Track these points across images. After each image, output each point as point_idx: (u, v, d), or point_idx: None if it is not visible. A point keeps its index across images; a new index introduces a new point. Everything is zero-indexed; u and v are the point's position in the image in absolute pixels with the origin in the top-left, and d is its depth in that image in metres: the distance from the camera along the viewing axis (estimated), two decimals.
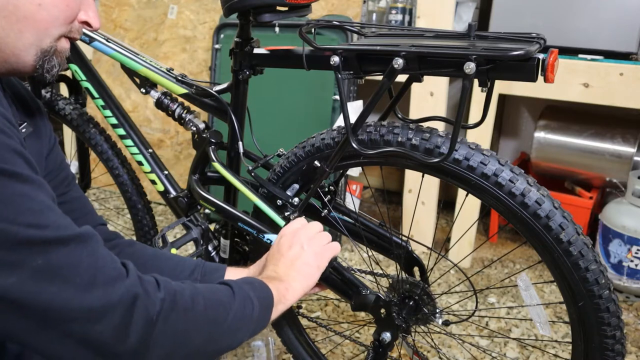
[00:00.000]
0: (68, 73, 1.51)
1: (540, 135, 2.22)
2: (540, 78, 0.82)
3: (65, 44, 0.80)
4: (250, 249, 1.30)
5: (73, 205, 1.00)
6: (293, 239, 0.98)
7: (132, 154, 1.42)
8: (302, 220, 1.03)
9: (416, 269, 1.15)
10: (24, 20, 0.73)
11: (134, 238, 1.73)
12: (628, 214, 1.96)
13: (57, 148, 0.98)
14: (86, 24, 0.81)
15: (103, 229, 1.04)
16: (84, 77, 1.43)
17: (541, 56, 0.81)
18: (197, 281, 1.00)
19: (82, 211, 1.02)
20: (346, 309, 1.86)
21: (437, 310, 1.07)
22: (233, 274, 1.04)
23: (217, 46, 2.33)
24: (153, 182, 1.39)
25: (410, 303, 1.08)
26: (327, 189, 1.17)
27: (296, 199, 1.11)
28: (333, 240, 1.01)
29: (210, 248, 1.34)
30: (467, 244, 2.13)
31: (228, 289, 0.82)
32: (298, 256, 0.95)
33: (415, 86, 2.02)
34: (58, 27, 0.77)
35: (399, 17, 2.19)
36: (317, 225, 1.01)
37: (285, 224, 1.09)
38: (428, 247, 1.17)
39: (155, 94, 1.30)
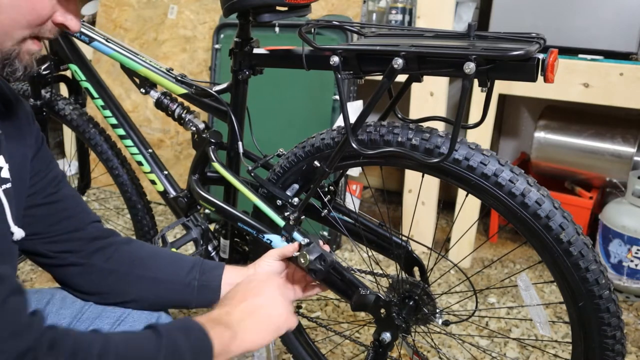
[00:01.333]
0: (68, 73, 1.51)
1: (540, 135, 2.22)
2: (540, 78, 0.82)
3: (32, 46, 0.75)
4: (250, 249, 1.30)
5: (65, 203, 0.95)
6: (265, 288, 0.87)
7: (131, 154, 1.42)
8: (281, 280, 0.96)
9: (416, 269, 1.15)
10: None
11: (134, 238, 1.73)
12: (628, 214, 1.96)
13: (44, 148, 0.94)
14: (62, 26, 0.76)
15: (97, 226, 1.01)
16: (83, 77, 1.43)
17: (541, 56, 0.81)
18: (196, 280, 0.97)
19: (75, 209, 0.97)
20: (346, 309, 1.86)
21: (437, 310, 1.07)
22: (232, 272, 1.00)
23: (217, 46, 2.33)
24: (153, 182, 1.39)
25: (410, 303, 1.08)
26: (327, 189, 1.17)
27: (296, 199, 1.11)
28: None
29: (210, 248, 1.34)
30: (467, 244, 2.13)
31: (153, 339, 0.70)
32: (263, 308, 0.84)
33: (415, 86, 2.02)
34: (21, 30, 0.72)
35: (399, 17, 2.19)
36: (292, 294, 0.96)
37: (285, 224, 1.09)
38: (428, 247, 1.17)
39: (155, 94, 1.30)
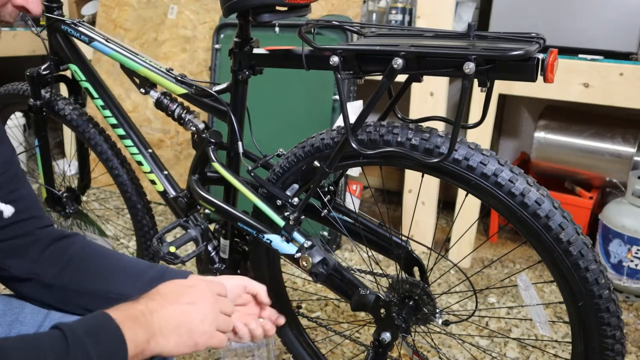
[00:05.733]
0: (68, 73, 1.51)
1: (540, 135, 2.22)
2: (540, 78, 0.82)
3: None
4: (250, 249, 1.30)
5: (21, 204, 0.89)
6: (201, 299, 0.78)
7: (131, 154, 1.42)
8: (225, 301, 0.84)
9: (416, 269, 1.15)
10: None
11: (134, 238, 1.73)
12: (628, 214, 1.96)
13: (5, 141, 0.89)
14: (23, 9, 0.72)
15: (49, 230, 0.94)
16: (83, 77, 1.43)
17: (541, 56, 0.81)
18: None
19: (29, 212, 0.91)
20: (346, 309, 1.86)
21: (437, 310, 1.07)
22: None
23: (217, 46, 2.33)
24: (153, 182, 1.39)
25: (410, 303, 1.08)
26: (326, 189, 1.17)
27: (296, 199, 1.11)
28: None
29: (210, 248, 1.34)
30: (467, 244, 2.13)
31: (58, 345, 0.62)
32: (190, 320, 0.75)
33: (415, 86, 2.02)
34: None
35: (399, 17, 2.19)
36: (232, 309, 0.85)
37: (285, 224, 1.09)
38: (428, 247, 1.17)
39: (154, 94, 1.30)
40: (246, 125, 1.21)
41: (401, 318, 1.08)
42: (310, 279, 1.11)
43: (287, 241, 1.10)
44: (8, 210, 0.76)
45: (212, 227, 1.36)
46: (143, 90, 1.32)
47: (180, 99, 1.29)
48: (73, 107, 1.51)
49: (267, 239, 1.12)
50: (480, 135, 1.95)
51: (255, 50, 1.12)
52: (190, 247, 1.29)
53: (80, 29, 1.37)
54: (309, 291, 1.93)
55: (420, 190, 2.10)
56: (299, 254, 1.08)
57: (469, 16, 2.18)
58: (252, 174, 1.16)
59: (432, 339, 1.49)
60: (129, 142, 1.41)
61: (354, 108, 1.97)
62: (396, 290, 1.10)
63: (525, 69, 0.81)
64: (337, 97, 2.09)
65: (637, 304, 1.96)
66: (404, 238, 1.15)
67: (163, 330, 0.72)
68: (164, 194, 1.38)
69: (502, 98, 2.48)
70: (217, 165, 1.19)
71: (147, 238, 1.56)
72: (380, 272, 1.22)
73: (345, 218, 1.19)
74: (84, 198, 1.76)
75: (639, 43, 1.81)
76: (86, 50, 1.44)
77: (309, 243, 1.08)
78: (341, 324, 1.77)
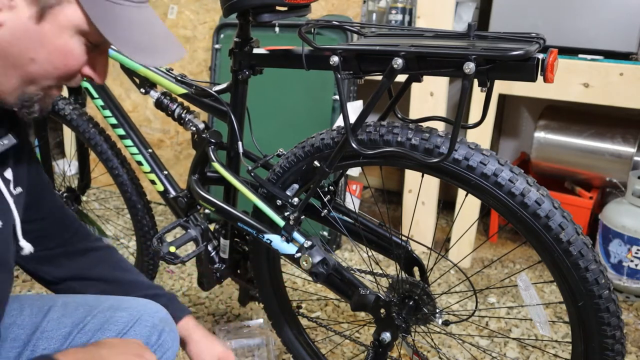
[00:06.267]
0: None
1: (540, 135, 2.22)
2: (540, 78, 0.82)
3: (55, 92, 0.77)
4: (250, 249, 1.30)
5: (47, 222, 1.00)
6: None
7: (131, 154, 1.42)
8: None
9: (416, 269, 1.15)
10: (12, 68, 0.71)
11: (134, 238, 1.74)
12: (628, 214, 1.96)
13: (34, 160, 0.96)
14: (90, 77, 0.78)
15: (80, 243, 1.05)
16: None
17: (541, 56, 0.81)
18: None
19: (57, 227, 1.02)
20: (346, 309, 1.86)
21: (437, 310, 1.07)
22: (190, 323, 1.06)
23: (217, 46, 2.33)
24: (153, 182, 1.39)
25: (410, 303, 1.08)
26: (326, 189, 1.17)
27: (296, 199, 1.11)
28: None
29: (210, 248, 1.34)
30: (467, 244, 2.13)
31: None
32: None
33: (415, 86, 2.02)
34: (49, 80, 0.74)
35: (399, 17, 2.19)
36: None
37: (285, 224, 1.09)
38: (428, 247, 1.17)
39: (154, 94, 1.30)
40: (246, 125, 1.21)
41: (401, 318, 1.08)
42: (310, 279, 1.11)
43: (287, 241, 1.10)
44: (28, 248, 0.81)
45: (212, 227, 1.36)
46: (143, 90, 1.32)
47: (180, 99, 1.29)
48: (73, 107, 1.51)
49: (267, 239, 1.12)
50: (480, 135, 1.95)
51: (255, 50, 1.12)
52: (190, 247, 1.29)
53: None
54: (309, 291, 1.93)
55: (420, 190, 2.10)
56: (299, 254, 1.08)
57: (469, 16, 2.18)
58: (252, 174, 1.16)
59: (432, 339, 1.49)
60: (129, 142, 1.41)
61: (354, 108, 1.97)
62: (396, 290, 1.10)
63: (525, 69, 0.81)
64: (337, 97, 2.09)
65: (637, 304, 1.96)
66: (404, 238, 1.15)
67: None
68: (164, 194, 1.38)
69: (502, 98, 2.48)
70: (217, 165, 1.19)
71: (147, 238, 1.56)
72: (380, 272, 1.22)
73: (345, 218, 1.19)
74: (84, 198, 1.76)
75: (639, 43, 1.81)
76: None
77: (309, 243, 1.08)
78: (341, 324, 1.77)
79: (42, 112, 0.77)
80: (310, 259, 1.07)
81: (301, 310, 1.83)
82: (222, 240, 1.33)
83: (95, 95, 1.43)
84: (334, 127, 1.05)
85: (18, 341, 0.89)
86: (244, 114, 1.21)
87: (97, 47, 0.76)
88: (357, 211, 1.18)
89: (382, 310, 1.09)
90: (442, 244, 2.35)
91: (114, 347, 0.82)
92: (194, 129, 1.25)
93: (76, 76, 0.77)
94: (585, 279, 0.87)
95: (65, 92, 1.57)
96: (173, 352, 0.97)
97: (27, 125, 0.91)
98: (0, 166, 0.81)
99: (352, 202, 2.36)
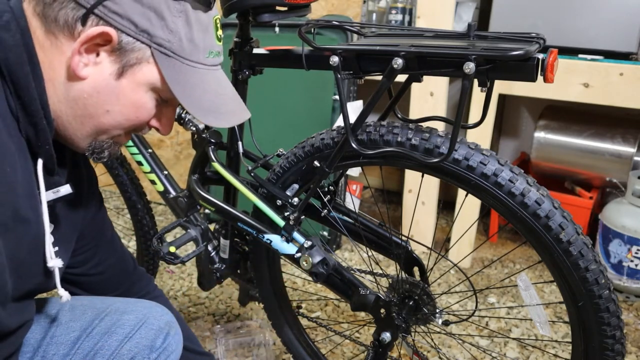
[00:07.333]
0: None
1: (540, 135, 2.22)
2: (540, 78, 0.82)
3: (124, 140, 0.82)
4: (250, 249, 1.30)
5: (104, 252, 1.05)
6: None
7: (131, 154, 1.42)
8: None
9: (416, 269, 1.15)
10: (88, 117, 0.76)
11: (134, 238, 1.73)
12: (628, 214, 1.96)
13: (95, 188, 1.00)
14: (156, 129, 0.84)
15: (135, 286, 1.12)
16: None
17: (541, 56, 0.81)
18: None
19: (113, 259, 1.07)
20: (346, 309, 1.86)
21: (437, 310, 1.07)
22: None
23: None
24: (153, 182, 1.39)
25: (410, 303, 1.08)
26: (326, 189, 1.17)
27: (296, 199, 1.11)
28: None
29: (210, 248, 1.34)
30: (467, 244, 2.13)
31: None
32: None
33: (415, 86, 2.02)
34: (120, 130, 0.79)
35: (399, 17, 2.19)
36: None
37: (285, 224, 1.09)
38: (428, 247, 1.17)
39: None
40: (246, 125, 1.21)
41: (401, 318, 1.08)
42: (310, 279, 1.11)
43: (287, 241, 1.10)
44: (66, 296, 0.83)
45: (212, 227, 1.36)
46: None
47: None
48: None
49: (267, 239, 1.12)
50: (480, 135, 1.95)
51: (255, 50, 1.12)
52: (190, 247, 1.29)
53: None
54: (309, 291, 1.93)
55: (420, 190, 2.10)
56: (299, 254, 1.08)
57: (469, 16, 2.18)
58: (252, 174, 1.16)
59: (432, 339, 1.49)
60: (128, 142, 1.41)
61: (354, 108, 1.97)
62: (396, 290, 1.10)
63: (525, 69, 0.81)
64: (337, 97, 2.09)
65: (637, 304, 1.96)
66: (404, 238, 1.15)
67: None
68: (163, 193, 1.38)
69: (502, 98, 2.48)
70: (217, 165, 1.19)
71: (147, 238, 1.56)
72: (380, 272, 1.22)
73: (345, 218, 1.19)
74: None
75: (639, 43, 1.81)
76: None
77: (309, 243, 1.08)
78: (341, 324, 1.77)
79: (111, 157, 0.82)
80: (310, 259, 1.07)
81: (301, 310, 1.83)
82: (222, 240, 1.33)
83: None
84: (334, 127, 1.05)
85: (28, 346, 0.90)
86: None
87: (166, 101, 0.81)
88: (357, 211, 1.18)
89: (382, 310, 1.09)
90: (442, 244, 2.35)
91: None
92: (194, 129, 1.25)
93: (144, 127, 0.82)
94: (585, 279, 0.87)
95: None
96: (177, 355, 0.98)
97: (93, 177, 0.97)
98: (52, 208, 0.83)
99: (352, 202, 2.36)
